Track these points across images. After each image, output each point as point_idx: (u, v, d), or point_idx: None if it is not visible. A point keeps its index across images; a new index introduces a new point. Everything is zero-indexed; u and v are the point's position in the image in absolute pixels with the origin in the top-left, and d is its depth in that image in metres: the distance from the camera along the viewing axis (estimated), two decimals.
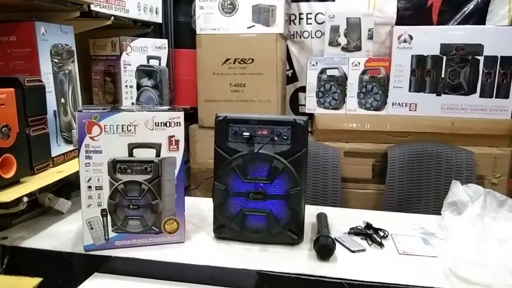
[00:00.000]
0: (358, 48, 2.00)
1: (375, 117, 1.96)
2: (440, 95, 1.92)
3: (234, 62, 1.95)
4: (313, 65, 2.01)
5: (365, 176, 1.91)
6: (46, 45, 1.18)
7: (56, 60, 1.22)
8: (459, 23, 2.00)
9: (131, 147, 0.96)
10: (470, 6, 1.99)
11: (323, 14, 2.10)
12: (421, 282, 0.87)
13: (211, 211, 1.06)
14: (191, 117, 2.07)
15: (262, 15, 1.90)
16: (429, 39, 1.89)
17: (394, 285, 0.87)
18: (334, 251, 0.97)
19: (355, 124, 1.93)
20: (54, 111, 1.22)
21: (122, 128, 0.95)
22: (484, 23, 1.99)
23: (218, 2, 1.93)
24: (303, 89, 2.17)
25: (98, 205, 0.97)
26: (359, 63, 1.97)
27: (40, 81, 1.14)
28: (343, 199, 1.84)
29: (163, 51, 1.75)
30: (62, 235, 1.07)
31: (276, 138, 1.00)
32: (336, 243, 0.99)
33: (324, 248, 0.96)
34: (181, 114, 0.99)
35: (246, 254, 0.99)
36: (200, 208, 1.25)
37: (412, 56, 1.91)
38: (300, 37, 2.18)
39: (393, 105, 1.97)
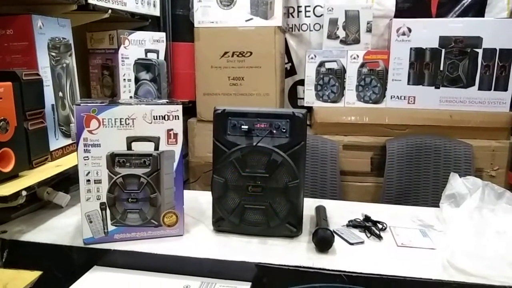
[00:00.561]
0: (356, 41, 2.00)
1: (373, 110, 1.96)
2: (438, 88, 1.92)
3: (232, 55, 1.94)
4: (312, 58, 2.01)
5: (364, 169, 1.91)
6: (43, 38, 1.17)
7: (53, 54, 1.21)
8: (458, 16, 2.00)
9: (130, 140, 0.96)
10: None
11: (321, 7, 2.09)
12: (419, 274, 0.87)
13: (210, 204, 1.06)
14: (189, 110, 2.07)
15: (261, 8, 1.89)
16: (427, 31, 1.88)
17: (392, 277, 0.88)
18: (333, 244, 0.97)
19: (353, 117, 1.93)
20: (52, 105, 1.21)
21: (121, 121, 0.95)
22: (483, 16, 1.98)
23: None
24: (301, 82, 2.16)
25: (97, 199, 0.97)
26: (357, 56, 1.96)
27: (38, 74, 1.14)
28: (341, 192, 1.84)
29: (161, 45, 1.74)
30: (61, 228, 1.08)
31: (274, 131, 1.00)
32: (335, 235, 1.00)
33: (323, 241, 0.97)
34: (180, 107, 0.99)
35: (245, 247, 0.99)
36: (199, 201, 1.25)
37: (411, 49, 1.91)
38: (299, 30, 2.17)
39: (391, 98, 1.97)
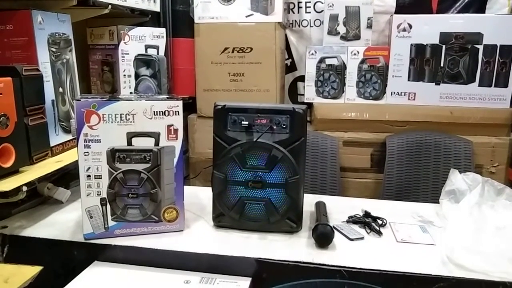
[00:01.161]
0: (357, 37, 1.99)
1: (374, 106, 1.96)
2: (439, 84, 1.92)
3: (232, 51, 1.94)
4: (312, 54, 2.01)
5: (364, 166, 1.91)
6: (43, 34, 1.17)
7: (53, 49, 1.21)
8: (458, 12, 1.99)
9: (130, 136, 0.96)
10: None
11: (322, 3, 2.09)
12: (419, 269, 0.88)
13: (210, 200, 1.06)
14: (189, 106, 2.06)
15: (261, 3, 1.88)
16: (428, 27, 1.88)
17: (392, 273, 0.88)
18: (333, 239, 0.97)
19: (354, 113, 1.92)
20: (52, 100, 1.21)
21: (121, 117, 0.95)
22: (483, 12, 1.97)
23: None
24: (302, 78, 2.16)
25: (98, 194, 0.97)
26: (358, 52, 1.96)
27: (38, 70, 1.14)
28: (341, 188, 1.84)
29: (161, 40, 1.74)
30: (61, 224, 1.08)
31: (275, 127, 1.00)
32: (335, 231, 1.00)
33: (323, 236, 0.97)
34: (180, 103, 0.99)
35: (245, 242, 0.99)
36: (199, 197, 1.25)
37: (411, 45, 1.90)
38: (299, 26, 2.17)
39: (392, 94, 1.96)
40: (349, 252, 0.95)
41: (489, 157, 1.84)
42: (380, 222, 1.09)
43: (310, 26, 2.15)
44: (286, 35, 2.16)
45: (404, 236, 1.03)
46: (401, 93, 1.96)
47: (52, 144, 1.20)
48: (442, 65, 1.89)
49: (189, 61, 2.02)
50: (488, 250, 0.91)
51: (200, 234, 1.04)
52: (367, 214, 1.12)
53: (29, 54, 1.14)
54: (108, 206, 0.98)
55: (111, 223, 0.99)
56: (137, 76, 1.64)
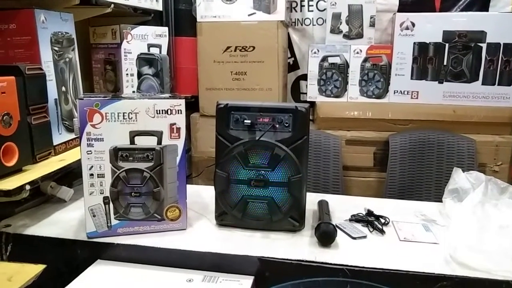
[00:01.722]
0: (360, 35, 1.99)
1: (376, 105, 1.96)
2: (442, 82, 1.91)
3: (235, 50, 1.94)
4: (315, 52, 2.00)
5: (367, 164, 1.91)
6: (46, 33, 1.17)
7: (56, 48, 1.21)
8: (462, 10, 1.98)
9: (133, 134, 0.96)
10: None
11: (324, 1, 2.08)
12: (422, 268, 0.87)
13: (212, 199, 1.06)
14: (192, 105, 2.06)
15: (263, 2, 1.88)
16: (431, 26, 1.87)
17: (395, 271, 0.88)
18: (335, 238, 0.97)
19: (356, 112, 1.92)
20: (55, 99, 1.22)
21: (124, 115, 0.95)
22: (487, 10, 1.96)
23: None
24: (304, 77, 2.16)
25: (100, 193, 0.97)
26: (361, 51, 1.96)
27: (41, 69, 1.14)
28: (344, 187, 1.84)
29: (164, 39, 1.74)
30: (64, 222, 1.08)
31: (277, 126, 1.00)
32: (337, 229, 1.00)
33: (325, 235, 0.97)
34: (182, 101, 0.99)
35: (247, 241, 1.00)
36: (201, 195, 1.25)
37: (414, 43, 1.90)
38: (302, 25, 2.16)
39: (394, 93, 1.96)
40: (351, 251, 0.95)
41: (492, 155, 1.83)
42: (383, 220, 1.09)
43: (313, 25, 2.15)
44: (288, 33, 2.16)
45: (407, 235, 1.03)
46: (404, 91, 1.95)
47: (55, 143, 1.21)
48: (445, 63, 1.89)
49: (191, 60, 2.02)
50: (492, 249, 0.90)
51: (202, 232, 1.04)
52: (369, 213, 1.12)
53: (32, 53, 1.14)
54: (111, 205, 0.98)
55: (114, 221, 1.00)
56: (139, 75, 1.64)
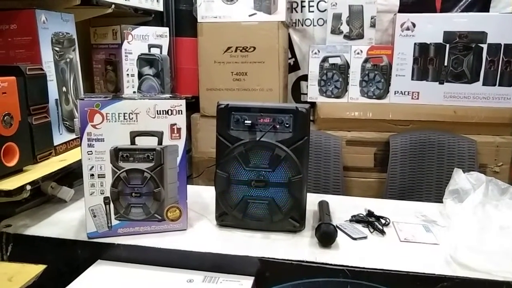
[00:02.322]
0: (360, 36, 1.99)
1: (377, 105, 1.95)
2: (442, 83, 1.91)
3: (235, 51, 1.94)
4: (315, 53, 2.00)
5: (367, 165, 1.91)
6: (47, 33, 1.17)
7: (57, 49, 1.22)
8: (462, 11, 1.98)
9: (133, 135, 0.96)
10: None
11: (325, 2, 2.08)
12: (422, 269, 0.87)
13: (213, 199, 1.06)
14: (192, 106, 2.06)
15: (264, 2, 1.88)
16: (432, 26, 1.87)
17: (395, 272, 0.88)
18: (336, 238, 0.97)
19: (357, 112, 1.92)
20: (56, 99, 1.22)
21: (124, 116, 0.95)
22: (488, 11, 1.96)
23: None
24: (305, 77, 2.16)
25: (101, 193, 0.97)
26: (361, 51, 1.96)
27: (42, 69, 1.14)
28: (345, 187, 1.84)
29: (164, 40, 1.74)
30: (65, 223, 1.08)
31: (278, 126, 1.00)
32: (338, 230, 1.00)
33: (326, 235, 0.97)
34: (183, 102, 0.99)
35: (248, 241, 0.99)
36: (202, 196, 1.25)
37: (415, 44, 1.90)
38: (302, 25, 2.17)
39: (395, 93, 1.96)
40: (352, 252, 0.95)
41: (493, 156, 1.83)
42: (383, 221, 1.09)
43: (313, 25, 2.15)
44: (289, 34, 2.16)
45: (408, 236, 1.03)
46: (404, 92, 1.95)
47: (55, 143, 1.21)
48: (446, 64, 1.89)
49: (192, 60, 2.02)
50: (492, 249, 0.90)
51: (203, 233, 1.04)
52: (370, 214, 1.12)
53: (32, 53, 1.14)
54: (112, 205, 0.98)
55: (114, 222, 1.00)
56: (140, 75, 1.64)
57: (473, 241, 0.92)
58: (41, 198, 1.19)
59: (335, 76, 1.99)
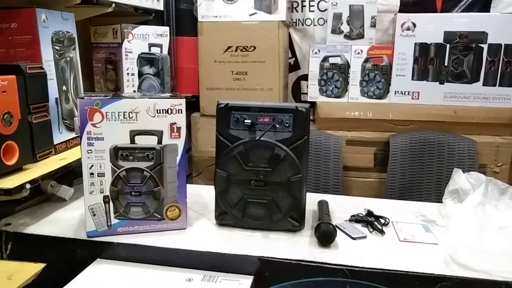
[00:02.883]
0: (360, 36, 1.99)
1: (377, 105, 1.96)
2: (443, 83, 1.91)
3: (236, 50, 1.94)
4: (316, 53, 2.00)
5: (367, 165, 1.91)
6: (47, 32, 1.17)
7: (57, 48, 1.22)
8: (463, 11, 1.98)
9: (133, 134, 0.96)
10: None
11: (325, 1, 2.08)
12: (421, 269, 0.87)
13: (212, 198, 1.06)
14: (192, 105, 2.06)
15: (264, 2, 1.88)
16: (432, 26, 1.87)
17: (394, 272, 0.88)
18: (335, 238, 0.97)
19: (357, 112, 1.92)
20: (56, 98, 1.22)
21: (124, 115, 0.95)
22: (488, 11, 1.97)
23: None
24: (305, 77, 2.16)
25: (101, 192, 0.97)
26: (361, 51, 1.96)
27: (42, 68, 1.14)
28: (344, 187, 1.84)
29: (165, 39, 1.74)
30: (65, 221, 1.08)
31: (277, 126, 1.00)
32: (337, 230, 1.00)
33: (325, 235, 0.97)
34: (183, 101, 0.99)
35: (247, 241, 0.99)
36: (202, 195, 1.25)
37: (415, 44, 1.90)
38: (303, 25, 2.17)
39: (395, 93, 1.96)
40: (351, 251, 0.95)
41: (493, 156, 1.83)
42: (382, 221, 1.09)
43: (314, 25, 2.15)
44: (289, 33, 2.16)
45: (407, 235, 1.03)
46: (404, 92, 1.95)
47: (55, 142, 1.21)
48: (446, 64, 1.89)
49: (192, 59, 2.02)
50: (492, 249, 0.90)
51: (202, 232, 1.04)
52: (369, 213, 1.12)
53: (33, 52, 1.14)
54: (111, 204, 0.99)
55: (114, 221, 1.00)
56: (140, 74, 1.64)
57: (473, 241, 0.92)
58: (41, 196, 1.19)
59: (335, 75, 1.99)
